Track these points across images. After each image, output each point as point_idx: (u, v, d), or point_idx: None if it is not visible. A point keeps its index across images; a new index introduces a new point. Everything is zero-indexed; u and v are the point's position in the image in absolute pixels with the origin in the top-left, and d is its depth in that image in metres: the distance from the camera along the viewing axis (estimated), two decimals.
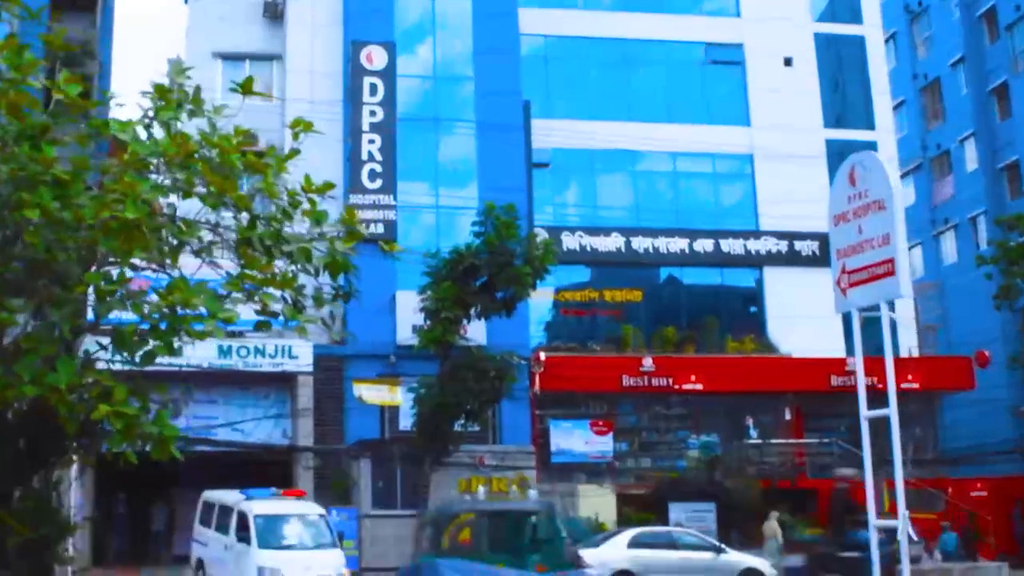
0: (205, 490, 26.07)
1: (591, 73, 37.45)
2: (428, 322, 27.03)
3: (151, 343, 9.41)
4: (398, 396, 27.79)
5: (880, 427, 35.27)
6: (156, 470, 31.13)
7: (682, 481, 32.56)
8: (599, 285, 35.97)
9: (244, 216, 10.40)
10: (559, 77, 37.34)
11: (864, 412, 13.35)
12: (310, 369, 29.84)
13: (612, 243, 35.34)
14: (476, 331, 29.71)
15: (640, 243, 35.44)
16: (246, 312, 10.71)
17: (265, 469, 32.27)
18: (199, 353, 29.12)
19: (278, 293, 10.54)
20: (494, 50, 34.28)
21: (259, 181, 10.51)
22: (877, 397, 34.48)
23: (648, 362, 32.98)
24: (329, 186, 10.51)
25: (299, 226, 10.58)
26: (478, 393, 26.91)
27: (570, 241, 34.90)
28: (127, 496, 32.46)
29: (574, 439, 32.72)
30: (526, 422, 31.93)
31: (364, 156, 32.57)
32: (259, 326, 10.76)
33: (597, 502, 31.15)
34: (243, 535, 22.72)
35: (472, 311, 27.30)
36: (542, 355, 31.95)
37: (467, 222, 27.12)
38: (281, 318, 10.81)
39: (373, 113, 32.96)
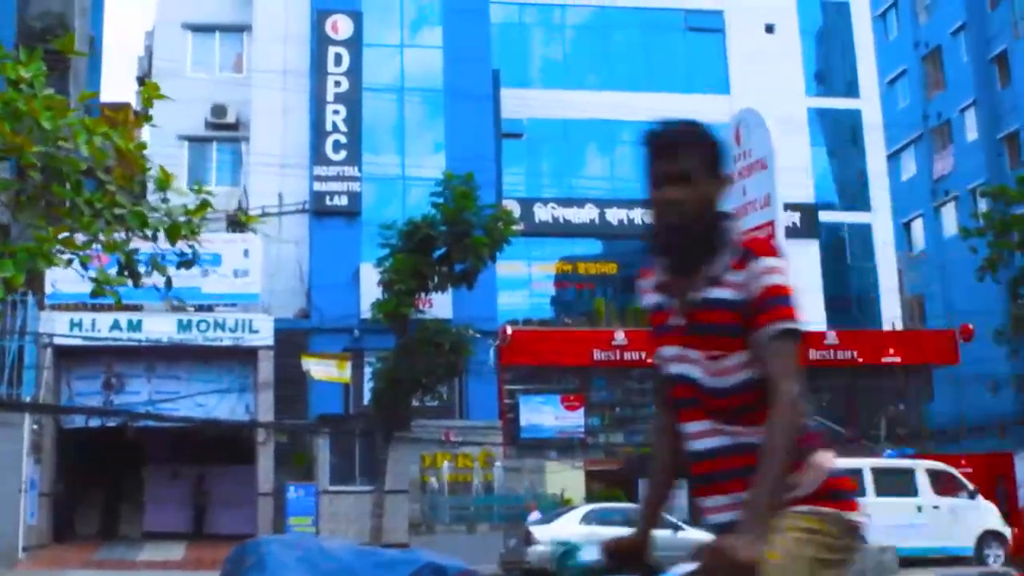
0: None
1: (567, 41, 36.69)
2: (385, 295, 26.63)
3: None
4: (347, 373, 27.21)
5: (860, 403, 34.95)
6: (123, 446, 31.17)
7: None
8: (572, 258, 35.30)
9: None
10: (534, 46, 36.65)
11: None
12: (271, 343, 29.42)
13: (586, 215, 34.58)
14: (442, 305, 29.25)
15: (615, 215, 34.63)
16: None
17: (232, 443, 32.04)
18: (158, 328, 29.18)
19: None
20: (463, 16, 33.56)
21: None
22: (859, 372, 34.34)
23: (620, 336, 32.30)
24: (142, 146, 10.22)
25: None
26: (432, 367, 26.44)
27: (543, 213, 34.25)
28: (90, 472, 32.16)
29: (544, 414, 32.11)
30: (494, 397, 31.40)
31: (328, 127, 32.02)
32: (94, 292, 10.77)
33: (565, 478, 30.54)
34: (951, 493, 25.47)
35: (430, 283, 26.87)
36: (508, 329, 31.33)
37: None
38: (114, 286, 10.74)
39: (338, 84, 32.36)
